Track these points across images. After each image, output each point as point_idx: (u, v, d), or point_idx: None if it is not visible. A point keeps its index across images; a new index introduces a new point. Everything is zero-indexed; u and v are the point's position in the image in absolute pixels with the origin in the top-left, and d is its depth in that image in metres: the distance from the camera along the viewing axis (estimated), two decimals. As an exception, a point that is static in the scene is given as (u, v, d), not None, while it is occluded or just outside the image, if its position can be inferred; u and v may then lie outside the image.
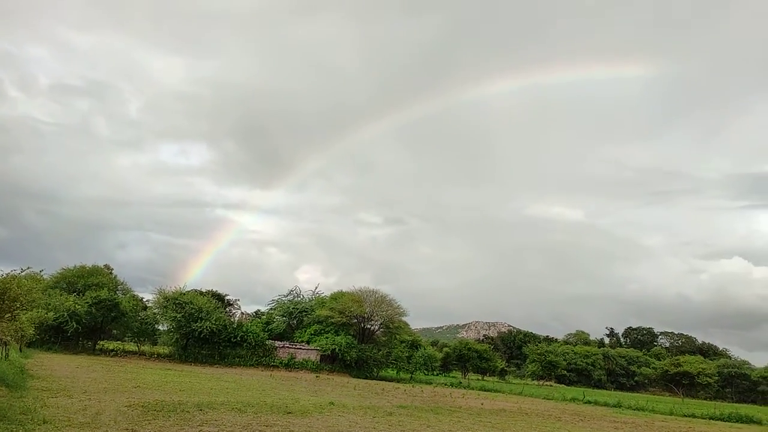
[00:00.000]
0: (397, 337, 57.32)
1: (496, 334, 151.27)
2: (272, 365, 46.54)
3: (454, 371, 78.55)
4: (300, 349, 50.39)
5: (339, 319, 51.06)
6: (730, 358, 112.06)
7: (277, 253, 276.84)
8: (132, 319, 46.38)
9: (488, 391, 46.36)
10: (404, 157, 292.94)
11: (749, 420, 34.93)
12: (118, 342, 51.11)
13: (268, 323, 55.90)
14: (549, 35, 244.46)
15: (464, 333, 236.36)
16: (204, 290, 61.23)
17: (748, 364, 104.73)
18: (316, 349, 50.36)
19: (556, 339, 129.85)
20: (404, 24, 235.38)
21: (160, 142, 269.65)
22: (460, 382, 54.34)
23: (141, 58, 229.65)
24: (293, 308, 56.70)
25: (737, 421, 34.66)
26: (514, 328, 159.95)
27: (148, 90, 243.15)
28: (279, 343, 50.46)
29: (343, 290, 56.47)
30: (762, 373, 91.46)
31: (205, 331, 44.14)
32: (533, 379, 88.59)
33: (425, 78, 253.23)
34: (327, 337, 50.72)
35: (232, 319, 53.71)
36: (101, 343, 47.32)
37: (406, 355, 57.34)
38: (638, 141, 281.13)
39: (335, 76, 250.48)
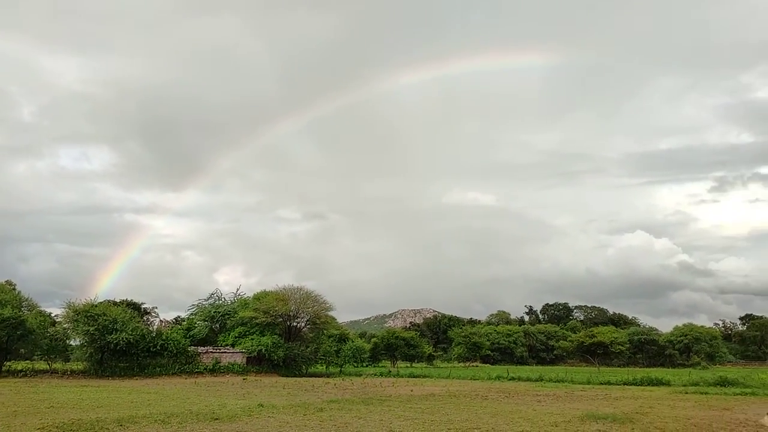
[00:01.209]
0: (325, 332, 57.07)
1: (422, 321, 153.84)
2: (196, 372, 45.12)
3: (383, 361, 79.24)
4: (225, 352, 49.16)
5: (264, 319, 50.15)
6: (639, 325, 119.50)
7: (194, 257, 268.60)
8: (40, 336, 43.46)
9: (417, 377, 47.13)
10: (320, 151, 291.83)
11: (659, 382, 37.45)
12: (27, 361, 47.83)
13: (189, 329, 54.07)
14: (454, 27, 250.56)
15: (391, 322, 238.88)
16: (118, 300, 58.58)
17: (656, 330, 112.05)
18: (242, 352, 49.30)
19: (480, 321, 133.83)
20: (311, 17, 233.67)
21: (58, 146, 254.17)
22: (390, 371, 54.92)
23: (32, 60, 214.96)
24: (215, 312, 55.14)
25: (649, 385, 37.06)
26: (439, 313, 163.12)
27: (42, 92, 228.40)
28: (202, 348, 48.98)
29: (267, 290, 55.57)
30: (668, 338, 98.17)
31: (122, 343, 42.07)
32: (460, 362, 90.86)
33: (336, 71, 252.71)
34: (252, 339, 49.75)
35: (150, 328, 51.55)
36: (8, 364, 44.09)
37: (335, 349, 57.24)
38: (543, 126, 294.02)
39: (244, 72, 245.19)
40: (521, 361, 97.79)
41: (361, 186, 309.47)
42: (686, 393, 29.73)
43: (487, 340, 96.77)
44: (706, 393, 29.56)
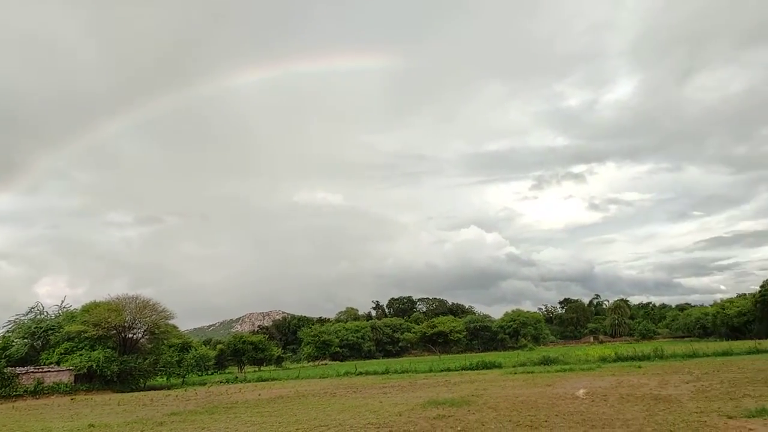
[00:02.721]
0: (165, 342, 54.01)
1: (272, 323, 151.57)
2: (15, 395, 40.24)
3: (230, 367, 76.97)
4: (49, 372, 44.42)
5: (94, 332, 46.09)
6: (475, 314, 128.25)
7: (8, 267, 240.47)
8: None
9: (265, 380, 46.30)
10: (156, 150, 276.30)
11: (493, 365, 40.41)
12: None
13: (5, 348, 48.09)
14: (298, 27, 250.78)
15: (239, 327, 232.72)
16: None
17: (489, 317, 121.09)
18: (69, 369, 44.90)
19: (329, 319, 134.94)
20: (147, 7, 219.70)
21: None
22: (237, 377, 53.40)
23: None
24: (36, 327, 49.58)
25: (484, 368, 39.81)
26: (288, 314, 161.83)
27: None
28: (21, 369, 43.80)
29: (97, 300, 51.18)
30: (500, 323, 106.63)
31: None
32: (309, 361, 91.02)
33: (176, 68, 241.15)
34: (81, 354, 45.51)
35: (-45, 351, 45.10)
36: None
37: (176, 359, 54.44)
38: (388, 128, 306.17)
39: (65, 64, 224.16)
40: (369, 356, 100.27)
41: (203, 186, 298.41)
42: (515, 373, 32.41)
43: (336, 337, 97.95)
44: (532, 372, 32.48)
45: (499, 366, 39.91)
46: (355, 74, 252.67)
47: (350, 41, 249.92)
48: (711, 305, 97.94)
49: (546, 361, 38.60)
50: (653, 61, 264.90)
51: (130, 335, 50.10)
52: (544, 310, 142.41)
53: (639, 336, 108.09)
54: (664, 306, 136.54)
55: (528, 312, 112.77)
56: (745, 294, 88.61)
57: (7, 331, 51.67)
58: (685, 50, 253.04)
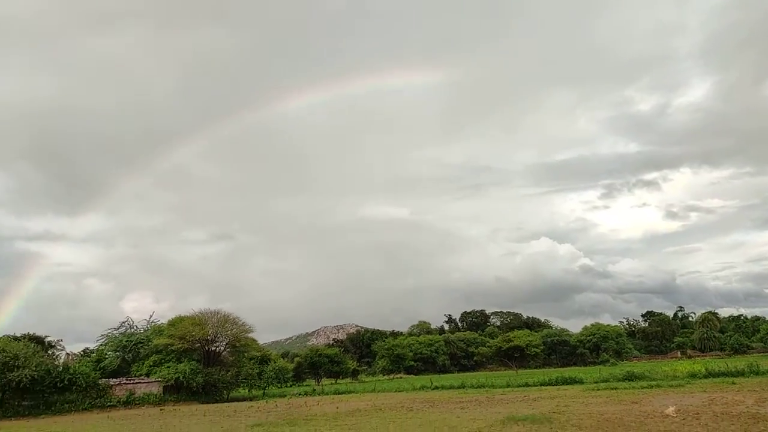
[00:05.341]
0: (246, 354, 55.73)
1: (345, 337, 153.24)
2: (109, 405, 42.64)
3: (307, 380, 78.36)
4: (140, 383, 46.80)
5: (180, 345, 48.27)
6: (552, 327, 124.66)
7: (98, 284, 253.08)
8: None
9: (342, 393, 46.83)
10: (226, 170, 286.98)
11: (573, 381, 39.16)
12: None
13: (99, 361, 51.15)
14: (353, 46, 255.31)
15: (314, 340, 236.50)
16: (18, 335, 54.54)
17: (567, 331, 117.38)
18: (158, 381, 47.13)
19: (402, 332, 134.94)
20: (213, 34, 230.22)
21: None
22: (314, 390, 54.27)
23: None
24: (127, 341, 52.48)
25: (564, 384, 38.65)
26: (362, 327, 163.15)
27: None
28: (114, 380, 46.40)
29: (182, 315, 53.58)
30: (578, 338, 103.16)
31: (25, 380, 39.11)
32: (384, 375, 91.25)
33: (239, 89, 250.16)
34: (169, 366, 47.69)
35: (56, 362, 48.31)
36: None
37: (257, 371, 56.03)
38: (450, 141, 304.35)
39: (142, 90, 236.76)
40: (443, 370, 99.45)
41: (271, 204, 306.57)
42: (598, 389, 31.27)
43: (410, 351, 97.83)
44: (615, 388, 31.22)
45: (580, 382, 38.62)
46: (411, 89, 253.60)
47: (402, 58, 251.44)
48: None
49: (630, 377, 36.97)
50: (727, 61, 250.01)
51: (213, 348, 52.01)
52: (625, 323, 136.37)
53: (730, 350, 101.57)
54: (757, 318, 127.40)
55: (608, 325, 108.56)
56: None
57: (101, 344, 54.98)
58: (759, 50, 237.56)
